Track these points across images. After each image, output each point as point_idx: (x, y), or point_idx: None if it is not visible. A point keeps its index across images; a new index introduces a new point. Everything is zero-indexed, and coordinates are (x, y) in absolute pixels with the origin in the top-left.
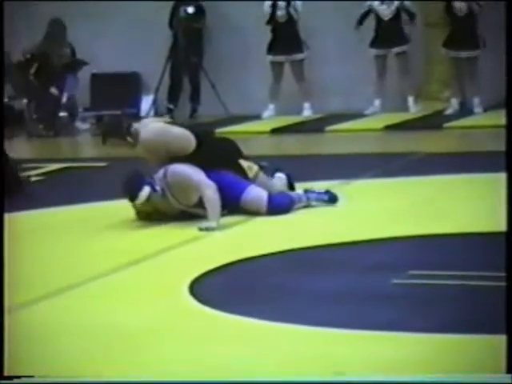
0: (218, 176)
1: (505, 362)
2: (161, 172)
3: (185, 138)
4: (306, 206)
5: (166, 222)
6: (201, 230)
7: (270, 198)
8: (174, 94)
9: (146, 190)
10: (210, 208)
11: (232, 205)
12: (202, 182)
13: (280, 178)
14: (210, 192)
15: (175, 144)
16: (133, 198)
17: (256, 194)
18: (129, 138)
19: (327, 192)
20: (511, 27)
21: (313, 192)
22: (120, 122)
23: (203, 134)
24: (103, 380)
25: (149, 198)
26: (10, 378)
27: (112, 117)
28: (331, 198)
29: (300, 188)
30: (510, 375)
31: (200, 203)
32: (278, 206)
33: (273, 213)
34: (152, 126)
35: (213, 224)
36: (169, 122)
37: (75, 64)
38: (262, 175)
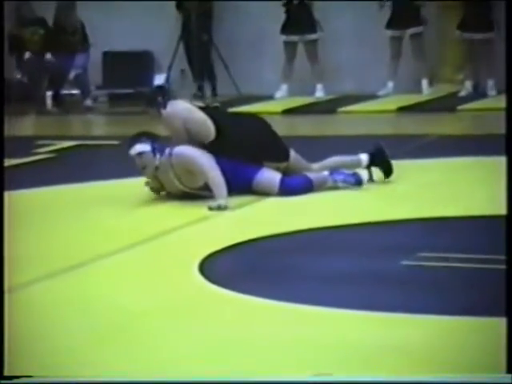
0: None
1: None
2: (167, 150)
3: (204, 125)
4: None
5: (176, 200)
6: (211, 209)
7: (283, 180)
8: (196, 72)
9: (142, 147)
10: (216, 189)
11: (244, 187)
12: (205, 164)
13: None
14: (214, 174)
15: (194, 128)
16: (129, 146)
17: (268, 176)
18: (151, 110)
19: (354, 174)
20: (511, 26)
21: (340, 173)
22: (158, 93)
23: (226, 124)
24: (103, 380)
25: (141, 155)
26: (10, 378)
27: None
28: (358, 181)
29: None
30: (510, 375)
31: (205, 186)
32: (290, 188)
33: (285, 195)
34: (178, 104)
35: (223, 202)
36: (200, 107)
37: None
38: (293, 155)
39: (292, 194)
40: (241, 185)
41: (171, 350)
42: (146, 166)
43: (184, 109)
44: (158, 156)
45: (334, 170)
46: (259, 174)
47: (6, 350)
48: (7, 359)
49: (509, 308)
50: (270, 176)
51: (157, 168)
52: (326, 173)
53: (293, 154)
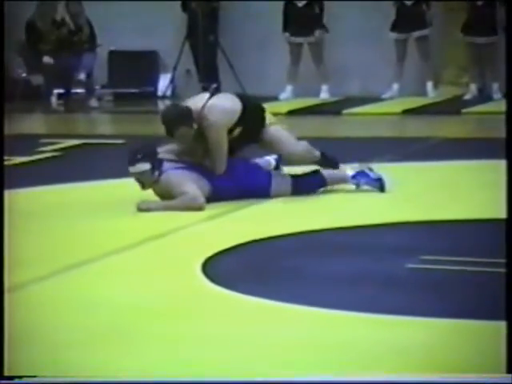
0: (240, 164)
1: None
2: (165, 167)
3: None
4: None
5: None
6: (140, 209)
7: (295, 182)
8: (202, 72)
9: (142, 166)
10: (175, 202)
11: (260, 195)
12: (190, 191)
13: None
14: (189, 198)
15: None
16: (130, 164)
17: (282, 182)
18: None
19: (379, 179)
20: (511, 26)
21: (365, 175)
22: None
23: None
24: (103, 380)
25: (142, 174)
26: (11, 377)
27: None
28: (381, 186)
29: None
30: (510, 375)
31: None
32: (303, 189)
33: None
34: (221, 107)
35: (152, 207)
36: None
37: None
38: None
39: (305, 193)
40: (255, 192)
41: (172, 350)
42: (144, 184)
43: (228, 111)
44: (156, 173)
45: (359, 170)
46: (273, 182)
47: (5, 350)
48: (7, 359)
49: (509, 309)
50: (282, 183)
51: (155, 182)
52: (348, 172)
53: (273, 128)
